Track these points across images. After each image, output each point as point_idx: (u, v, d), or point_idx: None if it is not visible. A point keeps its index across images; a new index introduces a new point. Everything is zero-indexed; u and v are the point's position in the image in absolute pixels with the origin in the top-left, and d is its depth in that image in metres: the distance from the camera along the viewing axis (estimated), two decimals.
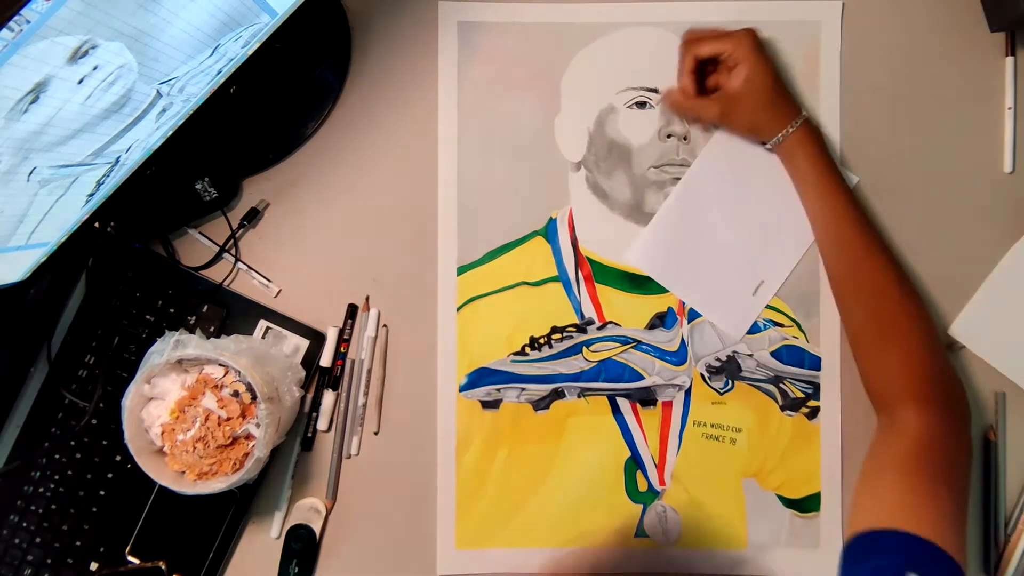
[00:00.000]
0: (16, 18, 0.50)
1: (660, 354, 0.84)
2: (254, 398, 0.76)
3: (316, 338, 0.85)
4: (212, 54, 0.71)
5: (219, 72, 0.75)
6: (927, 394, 0.72)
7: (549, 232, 0.85)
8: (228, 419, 0.75)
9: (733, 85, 0.78)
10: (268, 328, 0.85)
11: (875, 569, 0.61)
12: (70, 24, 0.54)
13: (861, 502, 0.69)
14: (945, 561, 0.60)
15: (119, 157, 0.74)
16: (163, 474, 0.75)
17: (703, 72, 0.81)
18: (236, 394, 0.76)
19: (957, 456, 0.71)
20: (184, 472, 0.76)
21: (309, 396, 0.85)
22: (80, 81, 0.60)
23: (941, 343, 0.76)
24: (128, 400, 0.74)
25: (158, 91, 0.69)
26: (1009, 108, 0.84)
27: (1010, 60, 0.84)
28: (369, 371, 0.85)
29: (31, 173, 0.65)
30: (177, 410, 0.75)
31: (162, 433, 0.76)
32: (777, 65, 0.80)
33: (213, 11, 0.66)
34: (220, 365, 0.77)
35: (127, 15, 0.58)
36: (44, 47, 0.54)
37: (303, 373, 0.83)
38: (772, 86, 0.78)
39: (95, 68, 0.60)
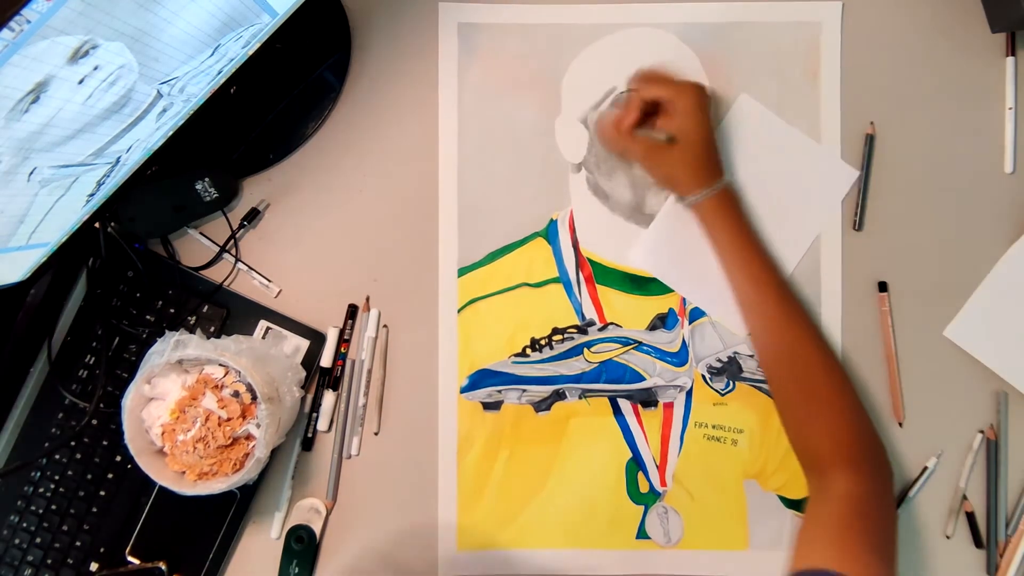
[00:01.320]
0: (16, 18, 0.50)
1: (661, 355, 0.84)
2: (254, 398, 0.76)
3: (316, 338, 0.84)
4: (212, 54, 0.71)
5: (219, 72, 0.75)
6: (854, 457, 0.73)
7: (550, 233, 0.85)
8: (228, 419, 0.75)
9: (658, 135, 0.77)
10: (268, 328, 0.84)
11: None
12: (70, 24, 0.54)
13: (795, 565, 0.69)
14: None
15: (119, 157, 0.73)
16: (163, 474, 0.75)
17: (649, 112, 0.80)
18: (236, 394, 0.76)
19: (884, 517, 0.72)
20: (184, 472, 0.76)
21: (309, 396, 0.85)
22: (81, 81, 0.60)
23: (862, 406, 0.77)
24: (128, 400, 0.74)
25: (158, 91, 0.69)
26: (1010, 108, 0.84)
27: (1011, 60, 0.84)
28: (369, 371, 0.85)
29: (31, 173, 0.65)
30: (177, 410, 0.75)
31: (162, 433, 0.76)
32: (712, 126, 0.80)
33: (213, 11, 0.66)
34: (220, 365, 0.77)
35: (128, 15, 0.58)
36: (45, 47, 0.54)
37: (303, 373, 0.83)
38: (701, 145, 0.78)
39: (96, 68, 0.60)
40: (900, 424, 0.83)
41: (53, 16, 0.52)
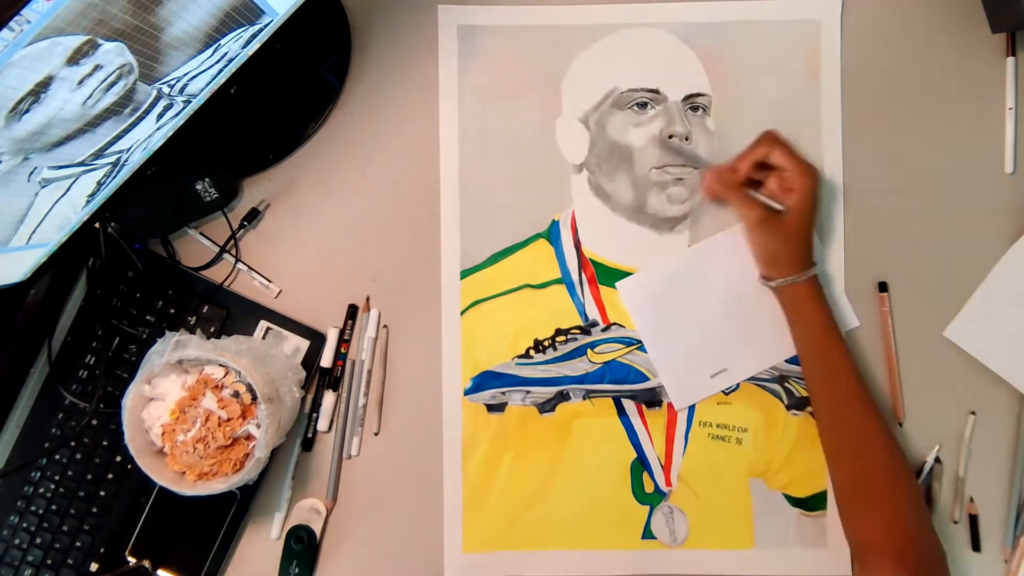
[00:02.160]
0: (16, 18, 0.50)
1: None
2: (254, 399, 0.76)
3: (316, 339, 0.84)
4: (212, 54, 0.71)
5: (219, 72, 0.75)
6: (906, 555, 0.72)
7: (552, 234, 0.85)
8: (228, 420, 0.75)
9: (765, 199, 0.77)
10: (268, 328, 0.84)
11: None
12: (71, 24, 0.54)
13: None
14: None
15: (120, 158, 0.73)
16: (163, 475, 0.75)
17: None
18: (236, 395, 0.76)
19: None
20: (184, 473, 0.76)
21: (309, 397, 0.85)
22: (80, 82, 0.60)
23: (925, 506, 0.77)
24: (128, 400, 0.74)
25: (159, 91, 0.69)
26: (1010, 109, 0.84)
27: (1011, 61, 0.84)
28: (369, 372, 0.84)
29: (31, 174, 0.65)
30: (177, 410, 0.75)
31: (162, 434, 0.75)
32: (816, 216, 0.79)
33: (213, 11, 0.66)
34: (220, 366, 0.76)
35: (128, 15, 0.58)
36: (45, 48, 0.53)
37: (303, 373, 0.83)
38: (808, 229, 0.78)
39: (96, 69, 0.60)
40: (900, 424, 0.83)
41: (53, 16, 0.52)
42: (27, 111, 0.58)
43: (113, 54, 0.60)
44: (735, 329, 0.83)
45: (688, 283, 0.84)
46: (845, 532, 0.76)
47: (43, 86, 0.57)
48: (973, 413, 0.83)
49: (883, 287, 0.83)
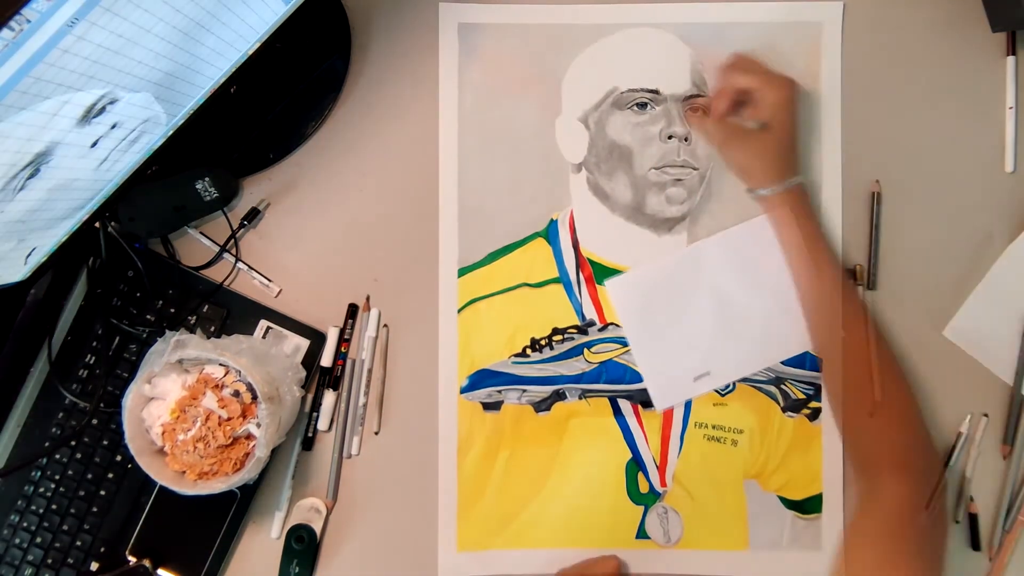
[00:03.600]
0: (16, 17, 0.50)
1: None
2: (255, 398, 0.76)
3: (317, 338, 0.84)
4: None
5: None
6: (907, 463, 0.73)
7: (550, 233, 0.85)
8: (229, 419, 0.75)
9: (746, 123, 0.78)
10: (269, 328, 0.84)
11: None
12: (84, 78, 0.46)
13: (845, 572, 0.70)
14: None
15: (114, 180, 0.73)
16: (163, 474, 0.75)
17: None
18: (237, 394, 0.76)
19: (935, 530, 0.73)
20: (184, 472, 0.76)
21: (309, 396, 0.85)
22: (94, 144, 0.52)
23: (919, 411, 0.78)
24: (128, 400, 0.75)
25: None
26: (1010, 108, 0.84)
27: (1011, 60, 0.84)
28: (370, 371, 0.84)
29: (29, 256, 0.53)
30: (178, 410, 0.75)
31: (163, 433, 0.76)
32: (798, 124, 0.80)
33: (247, 33, 0.63)
34: (221, 365, 0.77)
35: (158, 59, 0.49)
36: (48, 108, 0.45)
37: (304, 373, 0.83)
38: (785, 139, 0.78)
39: (113, 127, 0.52)
40: None
41: (61, 70, 0.44)
42: (22, 188, 0.49)
43: (138, 107, 0.51)
44: (721, 334, 0.83)
45: (677, 285, 0.84)
46: (846, 451, 0.77)
47: (44, 156, 0.47)
48: (985, 415, 0.82)
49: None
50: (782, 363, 0.83)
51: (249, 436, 0.77)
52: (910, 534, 0.69)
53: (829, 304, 0.78)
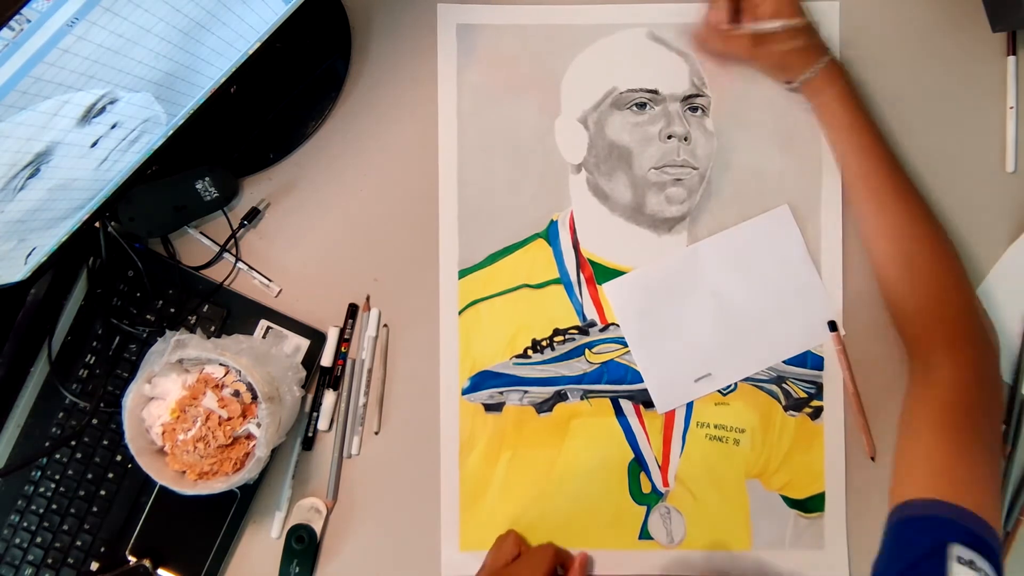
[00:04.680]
0: (16, 17, 0.50)
1: None
2: (255, 398, 0.76)
3: (317, 338, 0.84)
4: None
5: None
6: (957, 338, 0.72)
7: (550, 234, 0.85)
8: (229, 419, 0.75)
9: (763, 21, 0.77)
10: (269, 328, 0.84)
11: (920, 547, 0.61)
12: (84, 77, 0.46)
13: (899, 466, 0.69)
14: (985, 531, 0.61)
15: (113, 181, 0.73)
16: (164, 474, 0.75)
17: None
18: (237, 394, 0.76)
19: (990, 403, 0.71)
20: (185, 472, 0.76)
21: (310, 396, 0.85)
22: (94, 144, 0.51)
23: (970, 283, 0.76)
24: (129, 400, 0.75)
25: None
26: (1011, 108, 0.84)
27: (1012, 60, 0.84)
28: (370, 371, 0.84)
29: (29, 255, 0.55)
30: (178, 410, 0.75)
31: (163, 433, 0.76)
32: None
33: (247, 32, 0.63)
34: (221, 365, 0.77)
35: (158, 59, 0.50)
36: (48, 108, 0.45)
37: (304, 373, 0.83)
38: (801, 23, 0.78)
39: (113, 127, 0.52)
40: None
41: (61, 69, 0.45)
42: (22, 188, 0.49)
43: (137, 107, 0.51)
44: (721, 334, 0.83)
45: (675, 287, 0.84)
46: (898, 330, 0.76)
47: (44, 156, 0.47)
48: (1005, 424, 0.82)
49: (832, 326, 0.83)
50: (784, 362, 0.83)
51: (249, 436, 0.77)
52: (969, 411, 0.67)
53: (870, 176, 0.77)
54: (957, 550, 0.58)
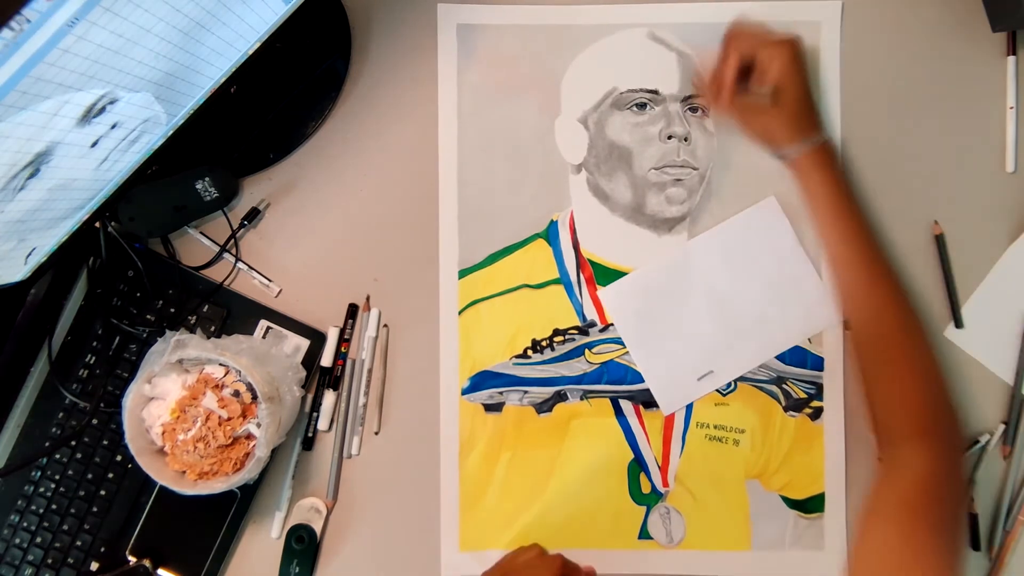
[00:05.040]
0: (17, 17, 0.50)
1: None
2: (255, 398, 0.76)
3: (317, 338, 0.85)
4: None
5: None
6: (928, 430, 0.71)
7: (550, 234, 0.85)
8: (229, 419, 0.75)
9: (759, 92, 0.77)
10: (269, 328, 0.84)
11: None
12: (84, 77, 0.46)
13: (861, 548, 0.68)
14: None
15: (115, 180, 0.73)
16: (164, 474, 0.75)
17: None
18: (237, 394, 0.76)
19: (956, 497, 0.71)
20: (185, 472, 0.76)
21: (310, 396, 0.85)
22: (94, 144, 0.52)
23: (943, 374, 0.75)
24: (129, 400, 0.75)
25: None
26: (1011, 108, 0.84)
27: (1012, 60, 0.84)
28: (370, 371, 0.85)
29: (29, 255, 0.56)
30: (178, 410, 0.75)
31: (163, 433, 0.76)
32: (809, 80, 0.78)
33: (247, 32, 0.63)
34: (221, 365, 0.77)
35: (157, 59, 0.50)
36: (48, 108, 0.46)
37: (304, 373, 0.83)
38: (800, 99, 0.77)
39: (113, 127, 0.52)
40: None
41: (61, 69, 0.45)
42: (23, 188, 0.49)
43: (137, 107, 0.51)
44: (720, 330, 0.84)
45: (671, 287, 0.84)
46: (870, 416, 0.75)
47: (44, 156, 0.48)
48: (1004, 424, 0.83)
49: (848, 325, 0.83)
50: (784, 362, 0.83)
51: (249, 436, 0.77)
52: (932, 508, 0.67)
53: (852, 261, 0.76)
54: None
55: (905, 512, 0.67)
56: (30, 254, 0.59)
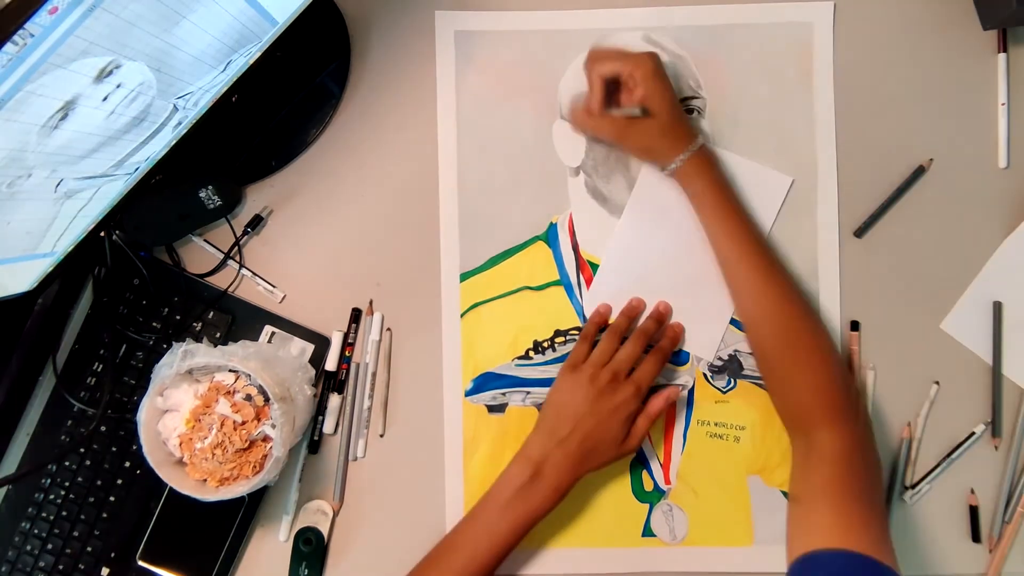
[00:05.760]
0: (20, 32, 0.51)
1: None
2: (267, 400, 0.77)
3: (321, 342, 0.85)
4: (224, 70, 0.73)
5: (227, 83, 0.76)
6: (837, 412, 0.73)
7: (550, 237, 0.86)
8: (243, 423, 0.75)
9: (628, 111, 0.78)
10: (273, 333, 0.85)
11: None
12: (96, 47, 0.57)
13: (796, 533, 0.70)
14: (885, 571, 0.63)
15: (138, 167, 0.74)
16: (185, 483, 0.75)
17: (612, 91, 0.81)
18: (249, 398, 0.76)
19: (873, 469, 0.74)
20: (206, 480, 0.76)
21: (315, 400, 0.85)
22: (105, 98, 0.62)
23: (841, 359, 0.78)
24: (143, 415, 0.74)
25: (175, 105, 0.71)
26: (1002, 104, 0.85)
27: (1002, 56, 0.85)
28: (374, 374, 0.85)
29: (58, 185, 0.66)
30: (192, 419, 0.75)
31: (180, 444, 0.76)
32: (674, 91, 0.80)
33: (226, 31, 0.68)
34: (230, 371, 0.77)
35: (148, 37, 0.60)
36: (75, 67, 0.56)
37: (312, 371, 0.83)
38: (668, 110, 0.78)
39: (118, 86, 0.62)
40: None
41: (81, 39, 0.55)
42: (57, 127, 0.60)
43: (135, 73, 0.62)
44: (699, 281, 0.84)
45: (636, 254, 0.85)
46: (778, 410, 0.78)
47: (71, 104, 0.60)
48: (987, 424, 0.84)
49: (855, 326, 0.84)
50: None
51: (266, 438, 0.77)
52: (856, 482, 0.70)
53: (742, 261, 0.78)
54: None
55: (834, 491, 0.69)
56: (58, 184, 0.67)
